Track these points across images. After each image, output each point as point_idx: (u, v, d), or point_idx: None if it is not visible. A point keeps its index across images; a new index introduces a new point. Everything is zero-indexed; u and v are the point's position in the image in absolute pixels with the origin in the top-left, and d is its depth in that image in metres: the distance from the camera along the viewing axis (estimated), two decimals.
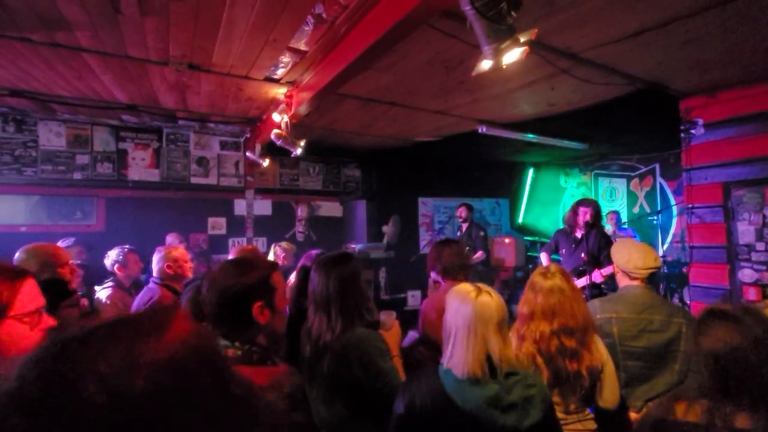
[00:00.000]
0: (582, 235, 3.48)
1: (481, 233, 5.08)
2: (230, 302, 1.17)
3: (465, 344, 1.22)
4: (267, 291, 1.21)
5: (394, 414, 1.24)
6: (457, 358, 1.22)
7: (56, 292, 1.74)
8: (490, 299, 1.26)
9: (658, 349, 1.78)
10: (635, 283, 1.90)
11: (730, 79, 3.05)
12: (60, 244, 3.49)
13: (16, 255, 1.95)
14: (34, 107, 4.03)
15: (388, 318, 1.81)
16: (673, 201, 5.85)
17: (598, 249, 3.40)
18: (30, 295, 1.06)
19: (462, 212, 5.23)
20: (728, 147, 3.23)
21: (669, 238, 5.91)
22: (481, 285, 1.33)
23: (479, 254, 4.94)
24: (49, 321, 1.10)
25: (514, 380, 1.22)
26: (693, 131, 3.40)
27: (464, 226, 5.25)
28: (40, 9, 2.11)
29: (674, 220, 5.85)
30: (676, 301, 5.48)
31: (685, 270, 4.44)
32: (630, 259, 1.89)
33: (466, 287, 1.33)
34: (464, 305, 1.26)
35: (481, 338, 1.21)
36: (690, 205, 3.49)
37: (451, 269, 2.20)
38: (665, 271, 5.51)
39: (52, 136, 4.42)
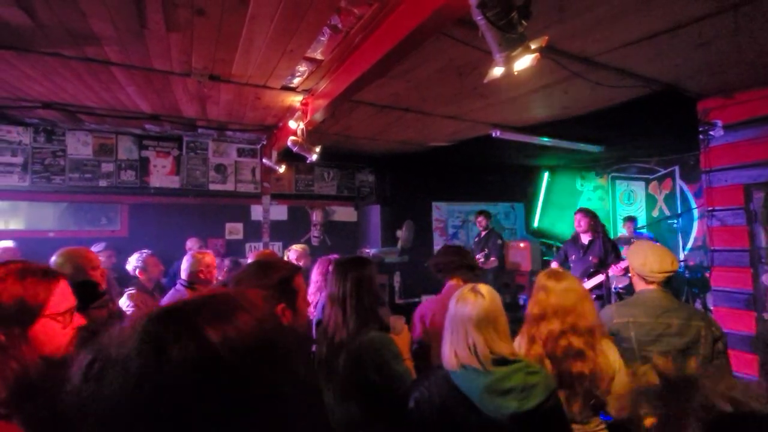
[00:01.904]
0: (588, 240, 3.99)
1: (499, 242, 5.17)
2: None
3: (448, 339, 1.34)
4: (289, 293, 1.25)
5: (407, 409, 1.29)
6: (443, 351, 1.34)
7: (87, 293, 1.84)
8: (473, 299, 1.33)
9: (676, 353, 1.75)
10: (652, 286, 1.87)
11: (747, 80, 3.00)
12: (93, 248, 3.65)
13: (53, 258, 2.06)
14: (64, 118, 4.22)
15: (398, 322, 1.86)
16: (693, 204, 5.72)
17: (605, 252, 3.83)
18: (63, 296, 1.11)
19: (482, 222, 5.34)
20: (749, 148, 3.16)
21: (690, 242, 5.77)
22: (480, 286, 1.39)
23: (492, 260, 4.99)
24: (79, 320, 1.15)
25: (512, 368, 1.28)
26: (712, 133, 3.34)
27: (483, 232, 5.34)
28: (72, 26, 2.24)
29: (695, 224, 5.71)
30: (698, 306, 5.34)
31: (707, 274, 4.34)
32: (645, 262, 1.85)
33: (468, 286, 1.41)
34: (451, 304, 1.38)
35: (461, 334, 1.30)
36: (710, 208, 3.42)
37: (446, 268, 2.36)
38: (687, 276, 5.38)
39: (79, 146, 4.61)
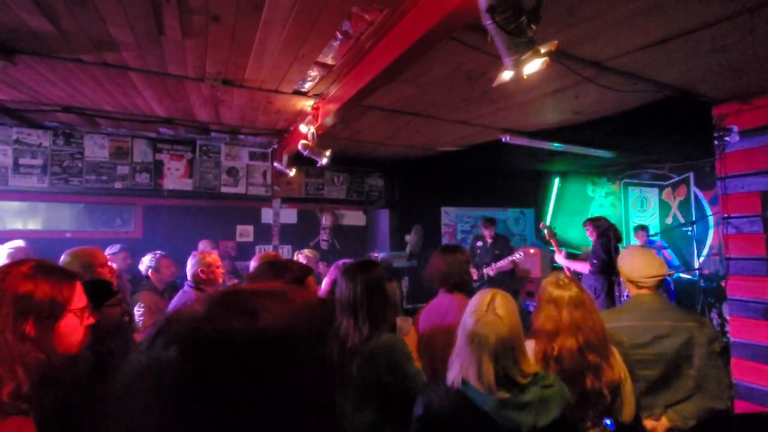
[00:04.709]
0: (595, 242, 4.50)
1: (510, 243, 5.17)
2: None
3: (457, 359, 1.27)
4: None
5: (414, 415, 1.27)
6: (450, 366, 1.28)
7: (102, 292, 1.89)
8: (492, 321, 1.23)
9: (671, 354, 1.75)
10: (643, 291, 1.88)
11: (764, 85, 2.95)
12: (107, 250, 3.72)
13: (62, 258, 2.13)
14: (82, 122, 4.34)
15: (405, 323, 1.86)
16: (709, 211, 5.61)
17: (599, 253, 4.26)
18: (80, 294, 1.17)
19: (490, 232, 5.37)
20: (766, 155, 3.10)
21: (705, 250, 5.65)
22: (499, 303, 1.28)
23: (517, 255, 4.98)
24: (89, 319, 1.19)
25: (530, 381, 1.24)
26: (727, 138, 3.28)
27: (487, 236, 5.29)
28: (92, 32, 2.31)
29: (710, 232, 5.59)
30: (714, 316, 5.22)
31: (722, 283, 4.25)
32: (633, 268, 1.88)
33: (484, 296, 1.32)
34: (470, 319, 1.28)
35: (474, 360, 1.23)
36: (726, 215, 3.36)
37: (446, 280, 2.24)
38: (702, 285, 5.27)
39: (96, 148, 4.74)
